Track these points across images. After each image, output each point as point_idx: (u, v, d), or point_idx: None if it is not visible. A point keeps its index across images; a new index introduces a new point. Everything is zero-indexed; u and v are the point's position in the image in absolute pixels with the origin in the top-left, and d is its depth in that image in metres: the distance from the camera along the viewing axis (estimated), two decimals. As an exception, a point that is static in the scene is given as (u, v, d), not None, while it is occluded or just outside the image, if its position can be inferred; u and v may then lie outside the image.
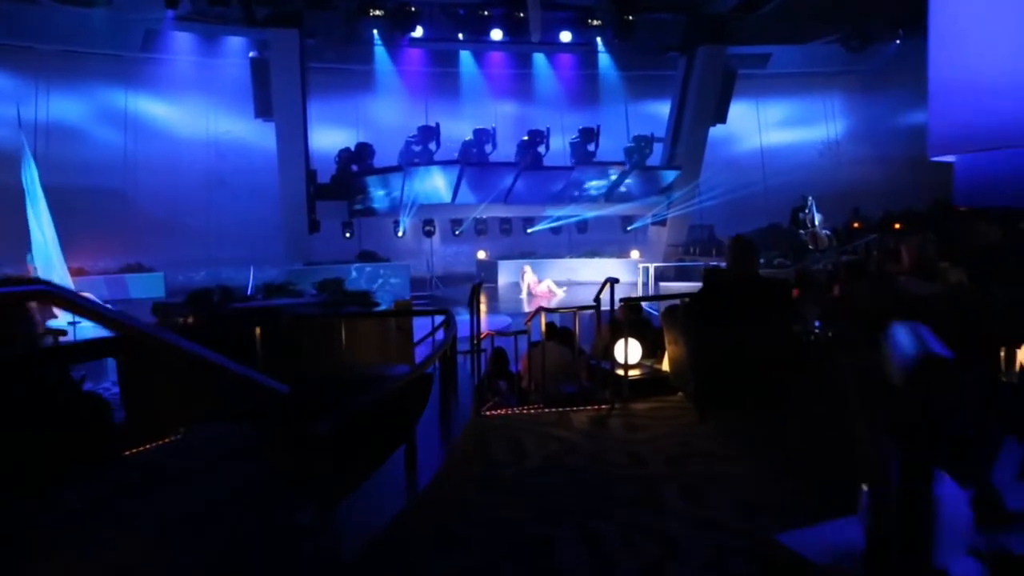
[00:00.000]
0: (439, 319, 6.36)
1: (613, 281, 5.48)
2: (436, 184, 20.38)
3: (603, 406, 5.58)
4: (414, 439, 3.72)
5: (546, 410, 5.50)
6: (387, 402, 3.34)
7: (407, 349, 7.29)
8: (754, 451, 4.52)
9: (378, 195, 20.19)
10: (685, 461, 4.37)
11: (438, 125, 20.92)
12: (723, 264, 15.95)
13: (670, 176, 21.25)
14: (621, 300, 5.67)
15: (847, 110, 24.75)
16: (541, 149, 21.25)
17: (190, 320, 5.70)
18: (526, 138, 21.07)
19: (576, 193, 21.28)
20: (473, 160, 20.52)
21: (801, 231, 15.69)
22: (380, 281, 17.69)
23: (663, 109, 22.92)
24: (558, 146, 21.92)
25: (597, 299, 5.87)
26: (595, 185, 21.40)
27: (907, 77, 22.71)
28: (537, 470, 4.29)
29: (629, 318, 6.38)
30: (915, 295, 5.77)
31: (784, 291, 5.05)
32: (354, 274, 17.15)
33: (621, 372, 5.72)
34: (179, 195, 20.50)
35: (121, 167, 20.31)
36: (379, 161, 20.59)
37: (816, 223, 15.52)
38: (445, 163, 20.29)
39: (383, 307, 7.47)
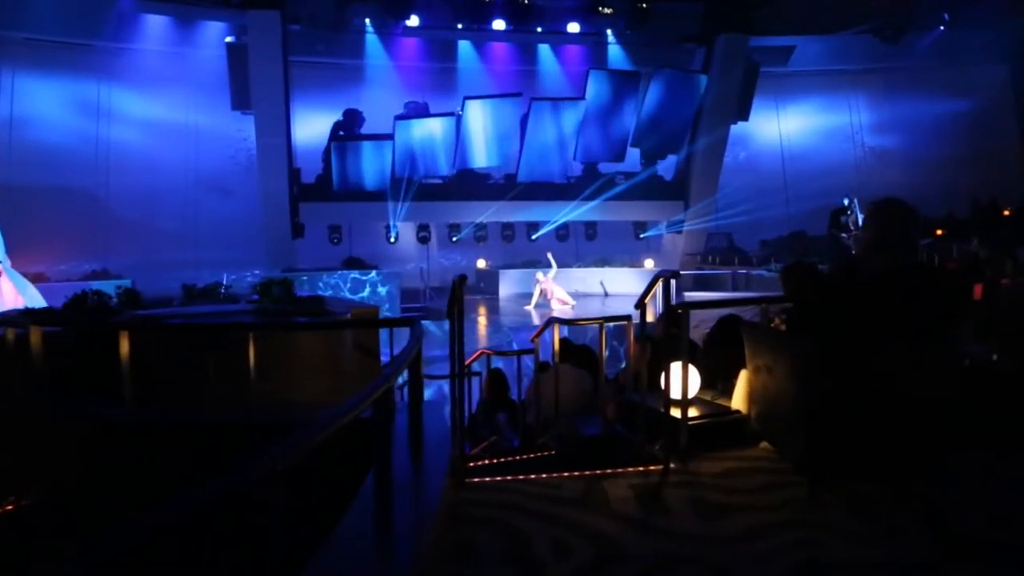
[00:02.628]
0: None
1: (670, 275, 3.58)
2: (433, 133, 18.67)
3: (652, 467, 3.67)
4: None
5: (565, 475, 3.58)
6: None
7: (371, 374, 5.38)
8: (925, 562, 2.63)
9: (366, 167, 18.40)
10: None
11: (426, 104, 19.24)
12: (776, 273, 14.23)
13: (702, 82, 19.32)
14: (677, 306, 3.76)
15: (873, 107, 22.99)
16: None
17: (40, 334, 3.86)
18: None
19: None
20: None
21: (843, 235, 13.97)
22: (367, 291, 15.88)
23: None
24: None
25: (642, 303, 3.95)
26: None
27: (944, 71, 20.98)
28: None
29: (671, 333, 4.50)
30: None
31: (960, 290, 3.16)
32: (336, 282, 15.34)
33: (676, 413, 3.81)
34: (154, 194, 19.16)
35: (92, 163, 18.90)
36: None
37: (861, 226, 13.75)
38: (442, 115, 18.61)
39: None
